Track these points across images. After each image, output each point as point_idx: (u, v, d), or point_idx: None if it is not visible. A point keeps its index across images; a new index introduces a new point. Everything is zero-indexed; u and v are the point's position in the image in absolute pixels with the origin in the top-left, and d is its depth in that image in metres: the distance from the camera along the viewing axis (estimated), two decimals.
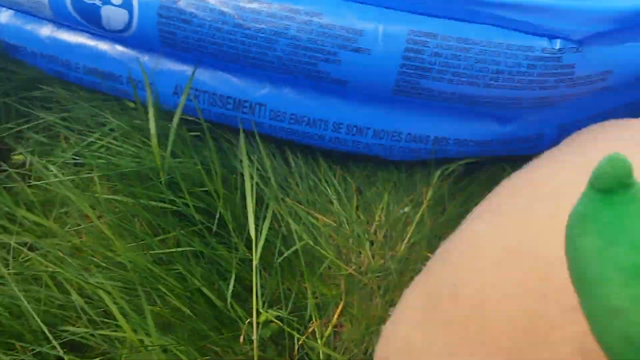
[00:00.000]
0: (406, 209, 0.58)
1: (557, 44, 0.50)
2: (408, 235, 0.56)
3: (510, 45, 0.50)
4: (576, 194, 0.23)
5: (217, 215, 0.53)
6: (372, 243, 0.57)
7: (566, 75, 0.51)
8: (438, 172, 0.60)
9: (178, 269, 0.50)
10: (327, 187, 0.60)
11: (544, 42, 0.50)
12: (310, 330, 0.52)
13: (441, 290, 0.37)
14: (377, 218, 0.58)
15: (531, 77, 0.51)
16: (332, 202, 0.59)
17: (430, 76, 0.52)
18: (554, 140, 0.55)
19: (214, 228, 0.53)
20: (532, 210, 0.36)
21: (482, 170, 0.61)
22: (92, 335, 0.49)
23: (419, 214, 0.57)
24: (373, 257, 0.55)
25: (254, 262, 0.51)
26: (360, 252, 0.56)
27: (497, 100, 0.53)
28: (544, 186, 0.38)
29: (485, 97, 0.53)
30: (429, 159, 0.60)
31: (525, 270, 0.32)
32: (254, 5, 0.51)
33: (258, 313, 0.49)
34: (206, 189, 0.55)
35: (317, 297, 0.53)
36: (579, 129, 0.51)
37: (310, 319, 0.52)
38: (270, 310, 0.51)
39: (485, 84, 0.52)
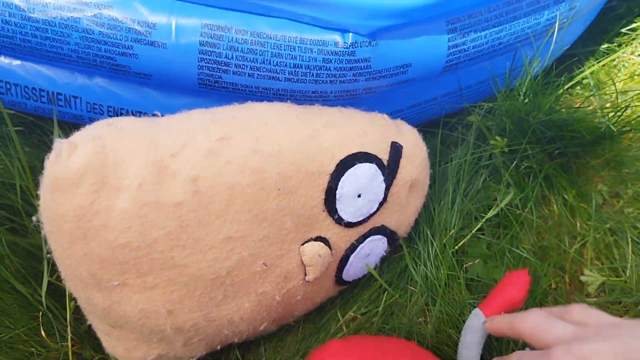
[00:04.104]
0: None
1: (349, 38, 0.50)
2: None
3: (305, 39, 0.50)
4: None
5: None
6: None
7: (363, 68, 0.52)
8: None
9: None
10: None
11: (336, 37, 0.50)
12: None
13: None
14: None
15: (329, 71, 0.51)
16: None
17: (230, 70, 0.51)
18: None
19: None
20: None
21: None
22: None
23: None
24: None
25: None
26: None
27: (300, 93, 0.53)
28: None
29: (289, 90, 0.53)
30: None
31: None
32: None
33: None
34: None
35: None
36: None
37: None
38: None
39: (285, 78, 0.52)
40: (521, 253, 0.56)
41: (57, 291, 0.50)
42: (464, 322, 0.47)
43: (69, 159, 0.40)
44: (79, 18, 0.49)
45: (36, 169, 0.54)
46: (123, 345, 0.46)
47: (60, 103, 0.58)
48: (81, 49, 0.51)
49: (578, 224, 0.62)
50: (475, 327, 0.45)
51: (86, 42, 0.51)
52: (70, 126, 0.58)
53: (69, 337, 0.47)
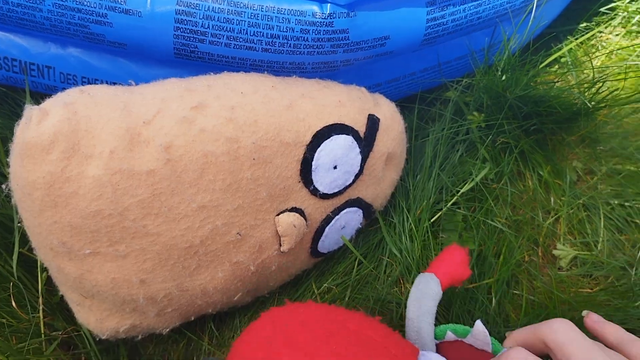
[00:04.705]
0: None
1: (327, 8, 0.49)
2: None
3: (282, 9, 0.49)
4: None
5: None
6: None
7: (341, 40, 0.51)
8: None
9: None
10: None
11: (314, 7, 0.49)
12: None
13: None
14: None
15: (306, 42, 0.51)
16: None
17: (207, 40, 0.51)
18: None
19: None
20: None
21: None
22: None
23: None
24: None
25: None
26: None
27: (277, 64, 0.53)
28: None
29: (266, 61, 0.52)
30: None
31: None
32: None
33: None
34: None
35: None
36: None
37: None
38: None
39: (262, 48, 0.51)
40: (496, 225, 0.57)
41: (29, 263, 0.49)
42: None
43: (40, 124, 0.39)
44: None
45: (7, 140, 0.53)
46: (95, 316, 0.46)
47: (33, 73, 0.56)
48: (54, 17, 0.50)
49: (552, 199, 0.62)
50: (435, 293, 0.44)
51: (59, 10, 0.50)
52: (43, 97, 0.57)
53: (41, 308, 0.47)
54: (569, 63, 0.70)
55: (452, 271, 0.46)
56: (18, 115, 0.59)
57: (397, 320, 0.52)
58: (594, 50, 0.74)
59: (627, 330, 0.52)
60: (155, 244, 0.43)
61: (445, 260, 0.47)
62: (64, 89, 0.57)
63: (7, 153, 0.50)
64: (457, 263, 0.47)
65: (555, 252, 0.60)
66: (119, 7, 0.49)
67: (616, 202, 0.63)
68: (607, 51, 0.72)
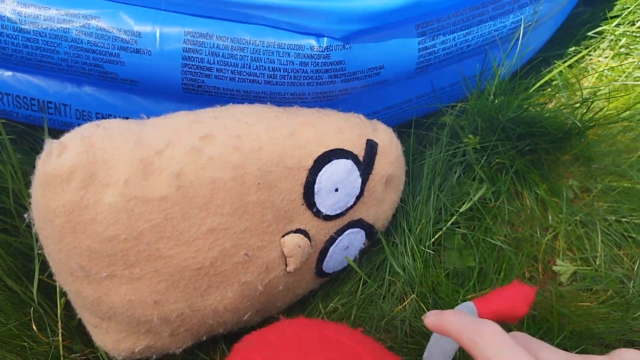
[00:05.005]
0: None
1: (324, 42, 0.53)
2: None
3: (282, 44, 0.53)
4: None
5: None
6: None
7: (338, 70, 0.54)
8: None
9: None
10: None
11: (311, 41, 0.53)
12: None
13: None
14: None
15: (305, 73, 0.54)
16: None
17: (212, 75, 0.54)
18: None
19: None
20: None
21: None
22: None
23: None
24: None
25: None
26: None
27: (279, 95, 0.56)
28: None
29: (268, 93, 0.56)
30: None
31: None
32: (31, 10, 0.52)
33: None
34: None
35: None
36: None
37: None
38: None
39: (265, 80, 0.55)
40: (495, 243, 0.59)
41: (48, 289, 0.52)
42: (441, 305, 0.50)
43: (60, 157, 0.43)
44: (68, 28, 0.52)
45: (27, 174, 0.56)
46: (112, 337, 0.48)
47: (50, 111, 0.60)
48: (70, 58, 0.54)
49: (550, 217, 0.64)
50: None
51: (75, 51, 0.53)
52: (60, 133, 0.60)
53: (60, 332, 0.49)
54: (560, 86, 0.73)
55: (504, 305, 0.39)
56: (37, 151, 0.63)
57: (401, 337, 0.54)
58: (585, 73, 0.77)
59: (627, 342, 0.53)
60: (168, 265, 0.45)
61: (501, 292, 0.40)
62: (79, 125, 0.60)
63: (27, 186, 0.53)
64: (514, 298, 0.39)
65: (555, 267, 0.62)
66: (130, 47, 0.53)
67: (613, 218, 0.65)
68: (597, 73, 0.75)
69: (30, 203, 0.45)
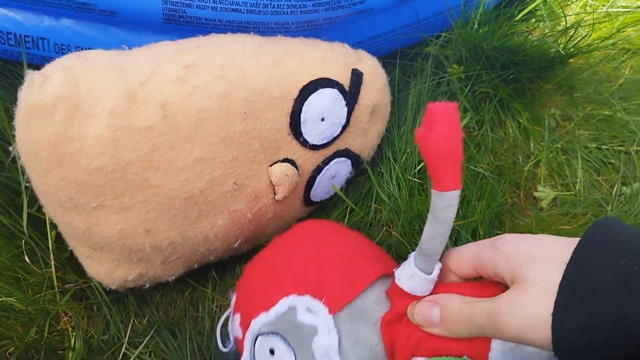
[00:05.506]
0: None
1: None
2: None
3: None
4: None
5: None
6: None
7: None
8: None
9: None
10: None
11: None
12: None
13: None
14: None
15: (288, 1, 0.53)
16: None
17: (194, 4, 0.53)
18: None
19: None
20: None
21: None
22: None
23: None
24: None
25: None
26: None
27: (263, 25, 0.55)
28: None
29: (252, 22, 0.55)
30: None
31: None
32: None
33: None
34: None
35: None
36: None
37: None
38: None
39: (247, 10, 0.53)
40: (479, 170, 0.60)
41: (38, 222, 0.52)
42: None
43: (42, 87, 0.42)
44: None
45: (8, 110, 0.55)
46: (104, 267, 0.49)
47: (28, 45, 0.59)
48: None
49: (532, 145, 0.66)
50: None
51: None
52: (38, 68, 0.59)
53: (52, 263, 0.50)
54: (545, 16, 0.72)
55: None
56: (16, 87, 0.62)
57: None
58: (569, 1, 0.76)
59: None
60: (157, 195, 0.46)
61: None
62: None
63: (10, 120, 0.52)
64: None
65: (536, 194, 0.63)
66: None
67: (593, 145, 0.66)
68: (581, 2, 0.75)
69: (14, 136, 0.45)
